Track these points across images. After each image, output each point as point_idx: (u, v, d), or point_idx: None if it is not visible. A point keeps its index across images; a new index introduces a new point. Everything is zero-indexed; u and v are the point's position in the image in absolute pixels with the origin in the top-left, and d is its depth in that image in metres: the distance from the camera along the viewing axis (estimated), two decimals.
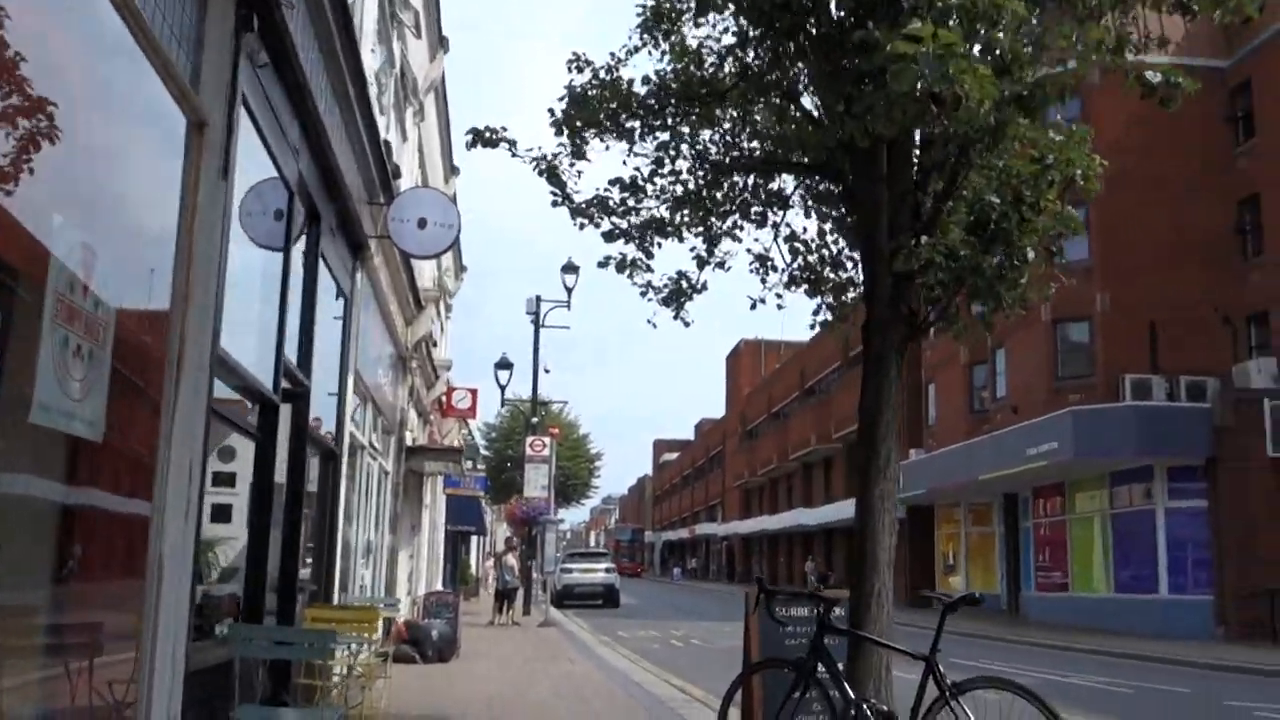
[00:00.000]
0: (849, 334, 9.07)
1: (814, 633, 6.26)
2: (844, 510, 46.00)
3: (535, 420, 30.77)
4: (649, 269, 8.75)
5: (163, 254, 5.37)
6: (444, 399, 23.43)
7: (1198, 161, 29.26)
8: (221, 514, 8.19)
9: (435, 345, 20.89)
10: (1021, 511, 33.81)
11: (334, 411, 10.76)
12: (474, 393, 24.00)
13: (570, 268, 30.88)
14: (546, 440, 28.11)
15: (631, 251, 8.56)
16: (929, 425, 40.24)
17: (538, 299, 31.96)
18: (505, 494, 48.34)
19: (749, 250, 8.58)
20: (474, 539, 48.98)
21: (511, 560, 26.35)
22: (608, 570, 39.62)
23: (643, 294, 8.85)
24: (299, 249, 8.68)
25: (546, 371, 31.19)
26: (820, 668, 6.24)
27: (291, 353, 8.61)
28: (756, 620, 7.64)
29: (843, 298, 8.91)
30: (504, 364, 32.02)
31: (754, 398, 71.73)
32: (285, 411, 8.69)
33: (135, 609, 5.04)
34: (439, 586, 29.94)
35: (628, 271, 8.60)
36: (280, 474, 8.55)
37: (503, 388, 31.69)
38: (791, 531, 58.61)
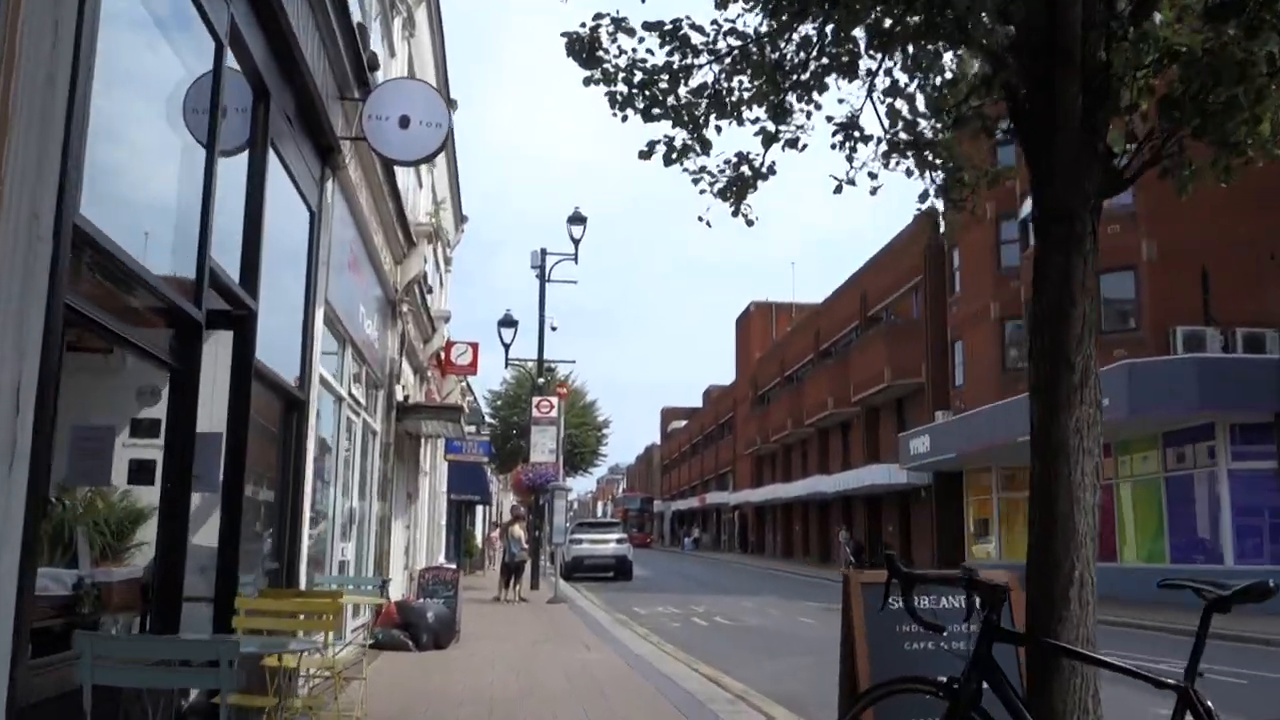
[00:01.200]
0: (956, 225, 6.96)
1: (974, 639, 4.08)
2: (863, 477, 44.10)
3: (542, 381, 28.76)
4: (703, 152, 6.69)
5: None
6: (442, 354, 21.38)
7: None
8: (145, 473, 6.19)
9: (430, 291, 18.81)
10: None
11: (298, 350, 8.74)
12: (475, 347, 21.90)
13: (577, 218, 28.86)
14: (554, 401, 26.09)
15: (681, 135, 6.50)
16: (956, 386, 38.13)
17: (543, 251, 29.93)
18: (511, 463, 46.39)
19: (830, 118, 6.49)
20: (479, 509, 47.11)
21: (519, 531, 24.39)
22: (619, 541, 37.69)
23: (695, 182, 6.77)
24: (236, 128, 6.63)
25: (553, 329, 29.28)
26: (985, 692, 4.06)
27: (230, 266, 6.58)
28: (861, 617, 5.36)
29: (959, 175, 6.81)
30: (508, 321, 29.98)
31: (765, 362, 69.66)
32: (223, 342, 6.69)
33: None
34: (441, 560, 28.01)
35: (676, 157, 6.53)
36: (213, 419, 6.55)
37: (507, 346, 29.67)
38: (807, 500, 56.63)
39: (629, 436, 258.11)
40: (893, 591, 4.24)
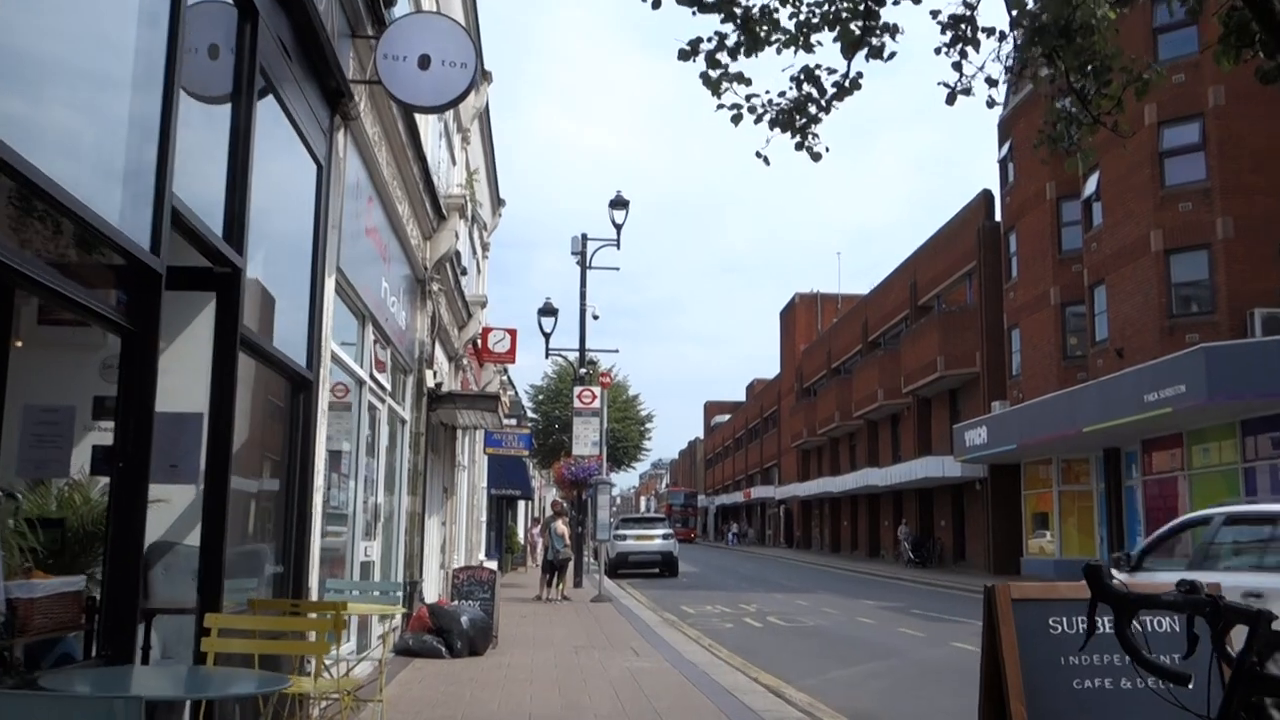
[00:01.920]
0: (1091, 153, 5.75)
1: (1215, 683, 2.81)
2: (916, 470, 42.64)
3: (584, 371, 27.63)
4: (746, 80, 5.47)
5: None
6: (479, 341, 20.27)
7: None
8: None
9: (464, 273, 17.70)
10: (1125, 467, 30.25)
11: (304, 323, 7.64)
12: (513, 334, 20.72)
13: (619, 202, 27.69)
14: (596, 390, 24.90)
15: (731, 33, 5.30)
16: (1013, 376, 36.63)
17: (583, 237, 28.78)
18: (554, 458, 45.31)
19: (935, 13, 5.27)
20: (520, 504, 46.12)
21: (561, 527, 23.26)
22: (665, 537, 36.50)
23: (736, 120, 5.55)
24: (206, 43, 5.51)
25: (595, 318, 28.11)
26: None
27: (212, 219, 5.47)
28: (1014, 645, 3.94)
29: (1108, 76, 5.56)
30: (548, 309, 28.88)
31: (811, 354, 68.24)
32: (198, 304, 5.59)
33: None
34: (481, 557, 26.99)
35: (722, 63, 5.33)
36: (195, 396, 5.46)
37: (547, 335, 28.57)
38: (856, 493, 55.17)
39: (671, 431, 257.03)
40: (1099, 615, 2.96)
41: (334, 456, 8.77)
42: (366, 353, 10.02)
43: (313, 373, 7.63)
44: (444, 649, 11.94)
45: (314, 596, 7.71)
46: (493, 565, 32.28)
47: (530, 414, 46.11)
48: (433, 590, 16.47)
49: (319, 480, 7.83)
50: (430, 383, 13.34)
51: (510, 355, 20.48)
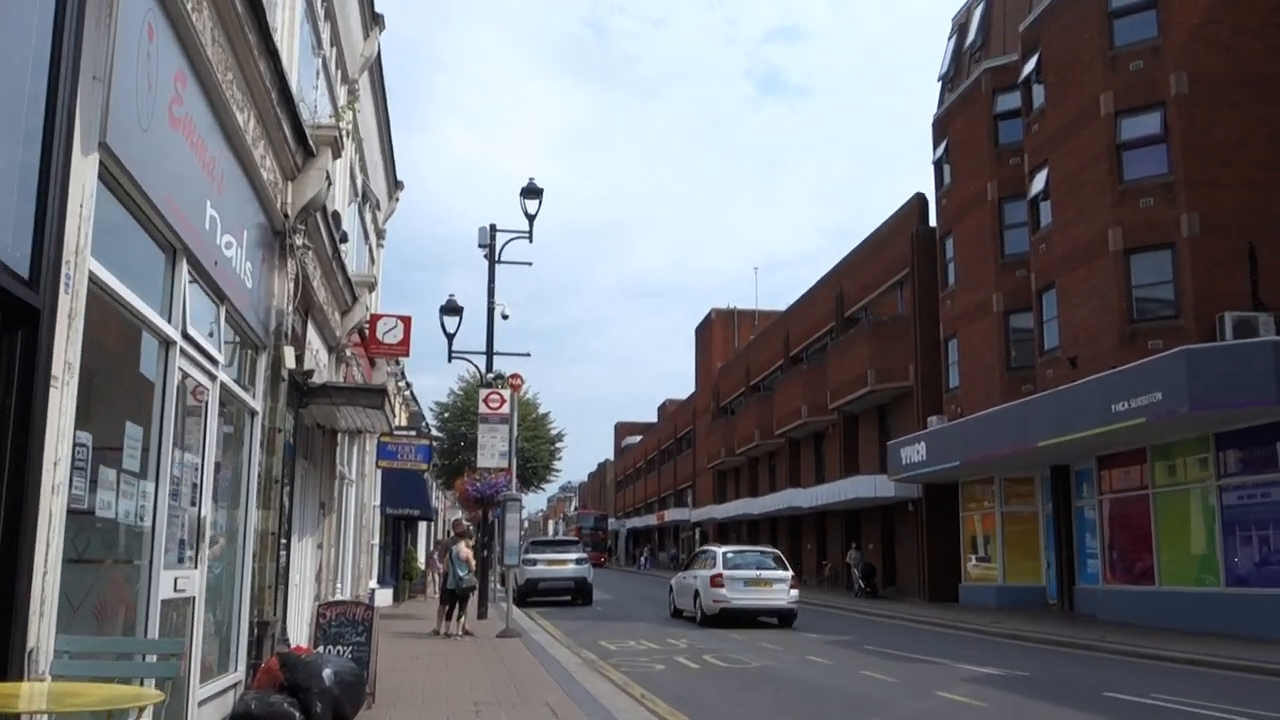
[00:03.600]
0: None
1: None
2: (845, 490, 40.18)
3: (492, 376, 24.63)
4: None
5: None
6: (365, 330, 17.18)
7: None
8: None
9: (344, 240, 14.63)
10: (1076, 486, 28.04)
11: (26, 217, 4.67)
12: (406, 321, 17.54)
13: (532, 190, 24.85)
14: (506, 394, 21.89)
15: None
16: (951, 389, 34.37)
17: (492, 228, 25.82)
18: (458, 478, 42.06)
19: None
20: (421, 526, 42.81)
21: (465, 550, 20.22)
22: (579, 562, 33.52)
23: None
24: None
25: (505, 317, 25.16)
26: None
27: None
28: None
29: None
30: (452, 308, 25.81)
31: (729, 371, 65.85)
32: None
33: None
34: (372, 585, 23.80)
35: None
36: None
37: (450, 336, 25.45)
38: (777, 515, 52.64)
39: (580, 454, 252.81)
40: None
41: (95, 442, 5.77)
42: (178, 302, 7.01)
43: (40, 297, 4.65)
44: (298, 714, 8.87)
45: (40, 662, 4.70)
46: (385, 595, 29.05)
47: (436, 432, 42.79)
48: (302, 631, 13.35)
49: (56, 473, 4.84)
50: (289, 363, 10.28)
51: (404, 347, 17.36)
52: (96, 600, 5.97)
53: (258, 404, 9.95)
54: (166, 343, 6.90)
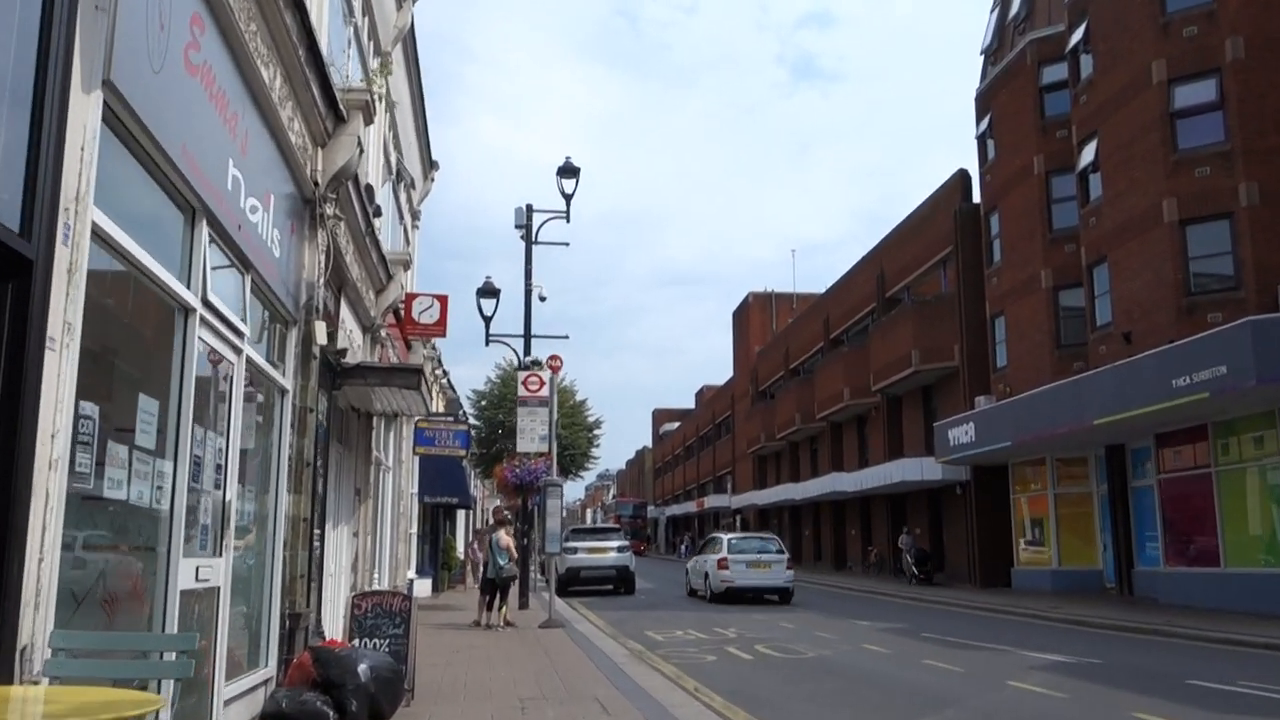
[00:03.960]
0: None
1: None
2: (891, 473, 39.33)
3: (529, 359, 24.05)
4: None
5: None
6: (401, 310, 16.61)
7: None
8: None
9: (378, 214, 14.04)
10: (1133, 465, 27.16)
11: (18, 160, 4.09)
12: (443, 301, 16.92)
13: (569, 169, 24.30)
14: (545, 375, 21.30)
15: None
16: (998, 368, 33.48)
17: (528, 208, 25.25)
18: (496, 466, 41.54)
19: None
20: (460, 514, 42.38)
21: (505, 538, 19.66)
22: (620, 550, 32.88)
23: None
24: None
25: (542, 299, 24.54)
26: None
27: None
28: None
29: None
30: (489, 290, 25.28)
31: (767, 355, 64.99)
32: None
33: None
34: (410, 574, 23.29)
35: None
36: None
37: (488, 319, 24.90)
38: (819, 500, 51.83)
39: (617, 442, 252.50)
40: None
41: (110, 417, 5.20)
42: (198, 267, 6.44)
43: (33, 246, 4.07)
44: (332, 712, 8.31)
45: (35, 661, 4.13)
46: (424, 585, 28.57)
47: (473, 420, 42.31)
48: (337, 623, 12.83)
49: (54, 447, 4.27)
50: (320, 339, 9.70)
51: (440, 327, 16.77)
52: (105, 591, 5.39)
53: (288, 382, 9.39)
54: (185, 310, 6.33)
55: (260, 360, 8.35)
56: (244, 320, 7.61)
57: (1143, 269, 25.23)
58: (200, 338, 6.52)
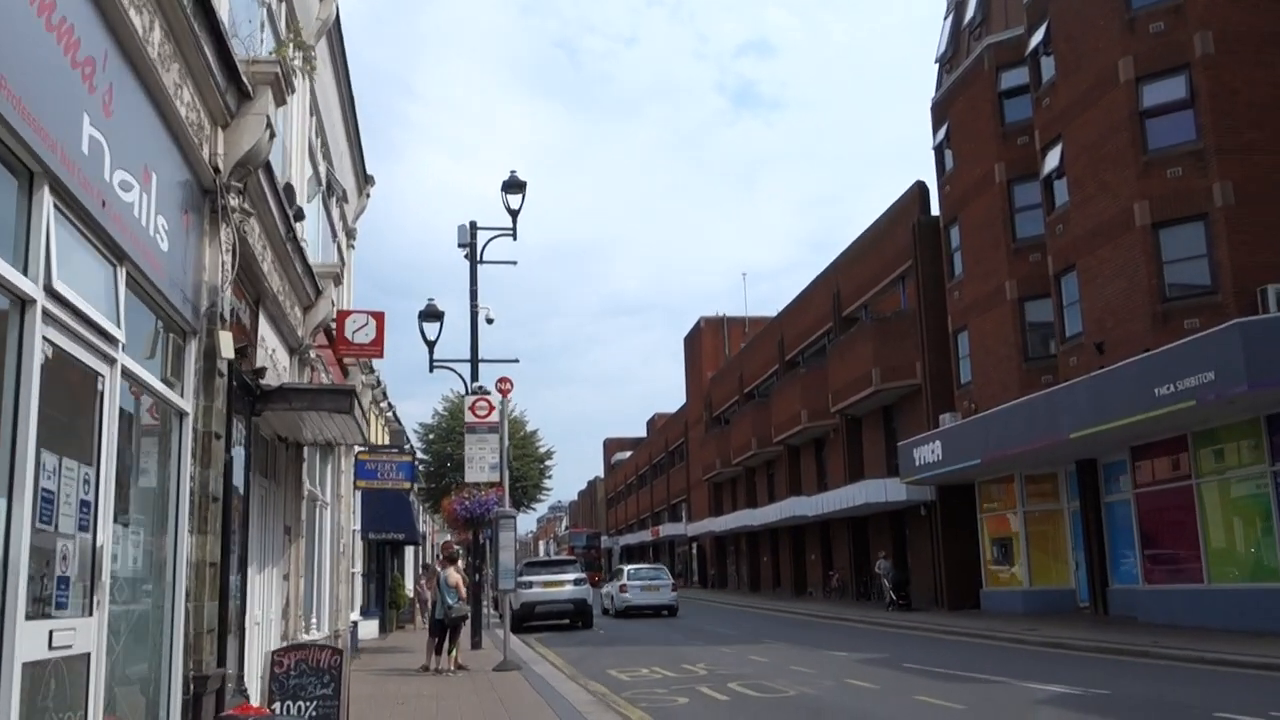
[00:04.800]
0: None
1: None
2: (853, 496, 38.13)
3: (476, 385, 22.62)
4: None
5: None
6: (333, 328, 15.15)
7: None
8: None
9: (300, 219, 12.61)
10: (1106, 480, 26.18)
11: None
12: (379, 318, 15.32)
13: (514, 184, 22.96)
14: (495, 400, 19.88)
15: None
16: (963, 384, 32.47)
17: (472, 225, 23.87)
18: (445, 498, 39.91)
19: None
20: (408, 551, 40.70)
21: (454, 575, 18.19)
22: (576, 582, 31.48)
23: None
24: None
25: (489, 321, 23.12)
26: None
27: None
28: None
29: None
30: (432, 313, 23.84)
31: (721, 380, 63.93)
32: None
33: None
34: (354, 617, 21.72)
35: None
36: None
37: (431, 344, 23.45)
38: (778, 526, 50.57)
39: (569, 472, 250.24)
40: None
41: None
42: (37, 246, 5.04)
43: None
44: None
45: None
46: (370, 626, 26.93)
47: (421, 454, 40.73)
48: (254, 691, 11.30)
49: None
50: (226, 351, 8.27)
51: (377, 347, 15.29)
52: None
53: (186, 403, 7.95)
54: (21, 300, 4.91)
55: (146, 374, 6.92)
56: (118, 323, 6.19)
57: (1115, 276, 24.31)
58: (45, 338, 5.11)
